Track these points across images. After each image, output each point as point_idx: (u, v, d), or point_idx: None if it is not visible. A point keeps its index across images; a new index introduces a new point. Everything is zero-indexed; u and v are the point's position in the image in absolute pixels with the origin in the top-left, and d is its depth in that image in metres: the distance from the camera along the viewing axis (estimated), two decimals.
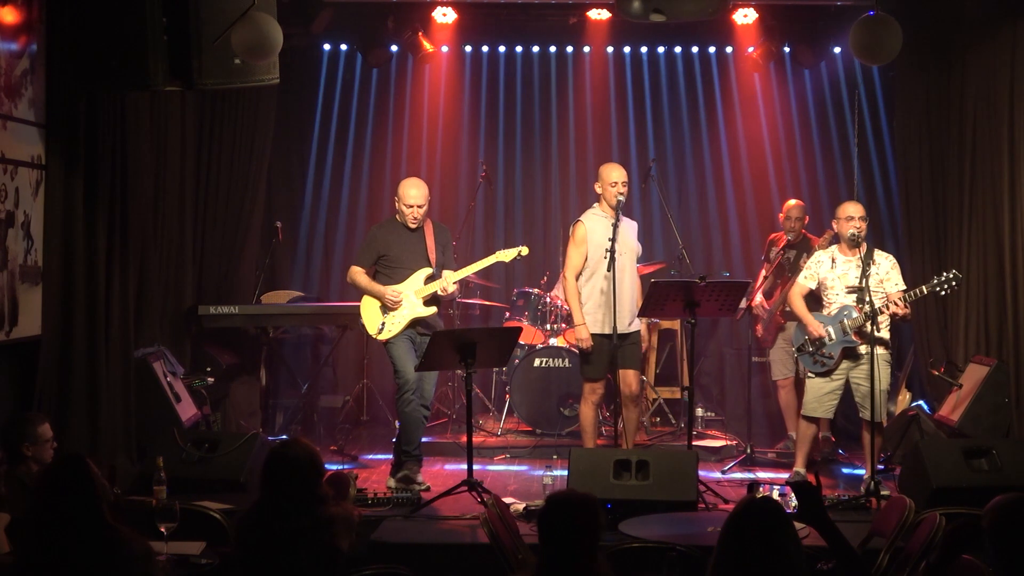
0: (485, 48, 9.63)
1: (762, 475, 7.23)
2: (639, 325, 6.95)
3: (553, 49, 9.68)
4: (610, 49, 9.63)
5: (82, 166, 6.22)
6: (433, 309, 6.79)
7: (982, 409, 6.93)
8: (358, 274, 6.83)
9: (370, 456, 7.64)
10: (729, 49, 9.56)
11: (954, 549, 3.40)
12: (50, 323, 6.06)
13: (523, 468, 7.54)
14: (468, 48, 9.62)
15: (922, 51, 7.61)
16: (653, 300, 6.60)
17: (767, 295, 7.74)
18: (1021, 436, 6.75)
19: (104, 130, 6.38)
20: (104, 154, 6.39)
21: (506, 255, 6.88)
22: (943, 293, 6.43)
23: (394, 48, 9.35)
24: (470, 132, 9.74)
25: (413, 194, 6.72)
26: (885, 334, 6.57)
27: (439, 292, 6.70)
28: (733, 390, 8.64)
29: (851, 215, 6.55)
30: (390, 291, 6.69)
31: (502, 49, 9.68)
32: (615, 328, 6.56)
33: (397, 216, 6.87)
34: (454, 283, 6.72)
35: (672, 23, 7.34)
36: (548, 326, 8.46)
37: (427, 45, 9.10)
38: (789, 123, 9.59)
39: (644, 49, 9.65)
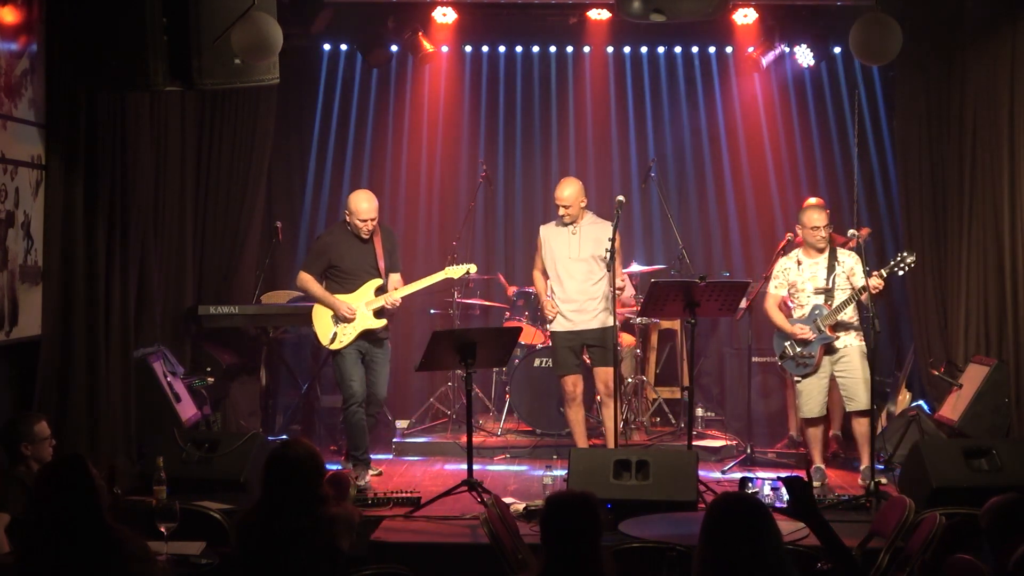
0: (485, 48, 9.62)
1: (762, 475, 7.22)
2: (600, 323, 7.05)
3: (553, 49, 9.67)
4: (610, 49, 9.62)
5: (82, 166, 6.22)
6: (383, 322, 6.96)
7: (982, 409, 6.94)
8: (310, 282, 6.99)
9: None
10: (729, 49, 9.55)
11: (948, 547, 3.41)
12: (50, 323, 6.05)
13: (523, 468, 7.54)
14: (468, 48, 9.61)
15: (922, 51, 7.61)
16: (653, 300, 6.64)
17: None
18: (1021, 436, 6.76)
19: (104, 130, 6.38)
20: (104, 154, 6.39)
21: (455, 272, 7.15)
22: (900, 272, 6.69)
23: (394, 48, 9.34)
24: (470, 132, 9.72)
25: (365, 208, 6.88)
26: (856, 322, 6.86)
27: (387, 305, 6.91)
28: (733, 390, 8.63)
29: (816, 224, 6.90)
30: (345, 306, 6.87)
31: (502, 49, 9.67)
32: (613, 324, 6.61)
33: (347, 225, 6.99)
34: (400, 297, 6.96)
35: (672, 23, 7.33)
36: (548, 326, 8.45)
37: (427, 45, 9.08)
38: (789, 123, 9.58)
39: (644, 49, 9.64)
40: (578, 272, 7.11)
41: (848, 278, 6.81)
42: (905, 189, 8.07)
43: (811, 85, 9.53)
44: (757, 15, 8.82)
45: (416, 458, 7.93)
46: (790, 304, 7.07)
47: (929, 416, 7.41)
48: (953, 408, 7.14)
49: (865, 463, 6.71)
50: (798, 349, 6.87)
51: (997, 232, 7.13)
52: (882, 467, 6.91)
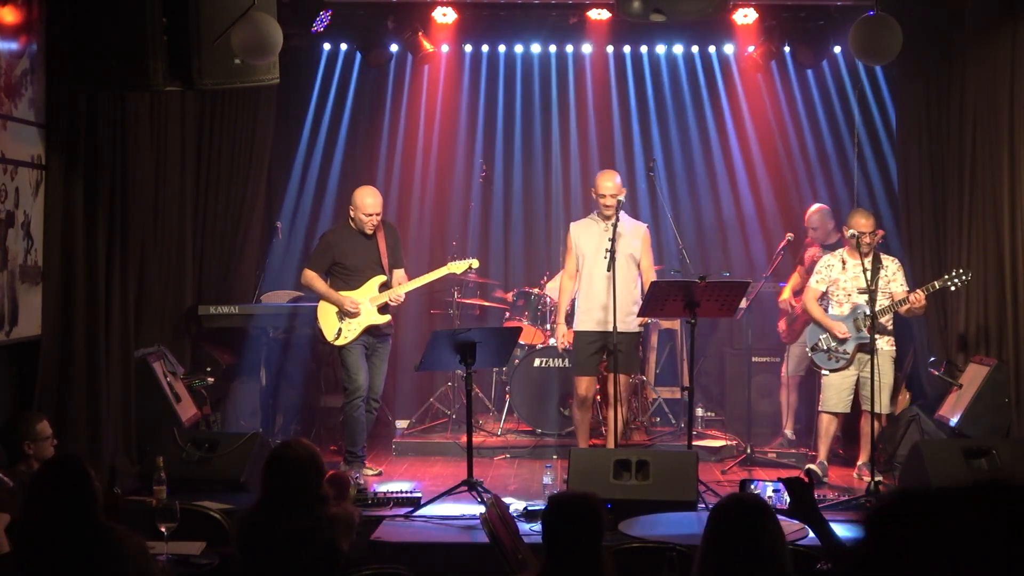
0: (485, 48, 9.60)
1: (763, 477, 7.23)
2: (629, 327, 7.00)
3: (553, 49, 9.65)
4: (610, 49, 9.61)
5: (82, 166, 6.22)
6: (387, 317, 7.13)
7: (982, 409, 6.94)
8: (314, 279, 7.13)
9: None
10: (729, 49, 9.55)
11: None
12: (50, 323, 6.06)
13: (523, 472, 7.53)
14: (468, 48, 9.60)
15: (922, 51, 7.60)
16: (653, 300, 6.64)
17: (796, 294, 7.88)
18: (1021, 436, 6.75)
19: (104, 130, 6.38)
20: (104, 154, 6.39)
21: (457, 267, 7.26)
22: (953, 288, 6.80)
23: (394, 48, 9.34)
24: (470, 132, 9.72)
25: (370, 203, 7.06)
26: (890, 327, 7.05)
27: (390, 301, 7.05)
28: (733, 390, 8.64)
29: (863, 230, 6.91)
30: (349, 301, 7.00)
31: (502, 49, 9.66)
32: (615, 326, 6.62)
33: (351, 222, 7.16)
34: (403, 293, 7.09)
35: (672, 23, 7.34)
36: (548, 326, 8.46)
37: (427, 45, 9.07)
38: (791, 123, 9.56)
39: (644, 49, 9.63)
40: (591, 271, 7.03)
41: (888, 283, 6.97)
42: (905, 189, 8.07)
43: (812, 85, 9.52)
44: (757, 15, 8.80)
45: (416, 458, 7.93)
46: (828, 300, 7.17)
47: (929, 416, 7.41)
48: (953, 408, 7.14)
49: (863, 459, 6.90)
50: (833, 344, 7.03)
51: (997, 232, 7.13)
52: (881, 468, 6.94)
